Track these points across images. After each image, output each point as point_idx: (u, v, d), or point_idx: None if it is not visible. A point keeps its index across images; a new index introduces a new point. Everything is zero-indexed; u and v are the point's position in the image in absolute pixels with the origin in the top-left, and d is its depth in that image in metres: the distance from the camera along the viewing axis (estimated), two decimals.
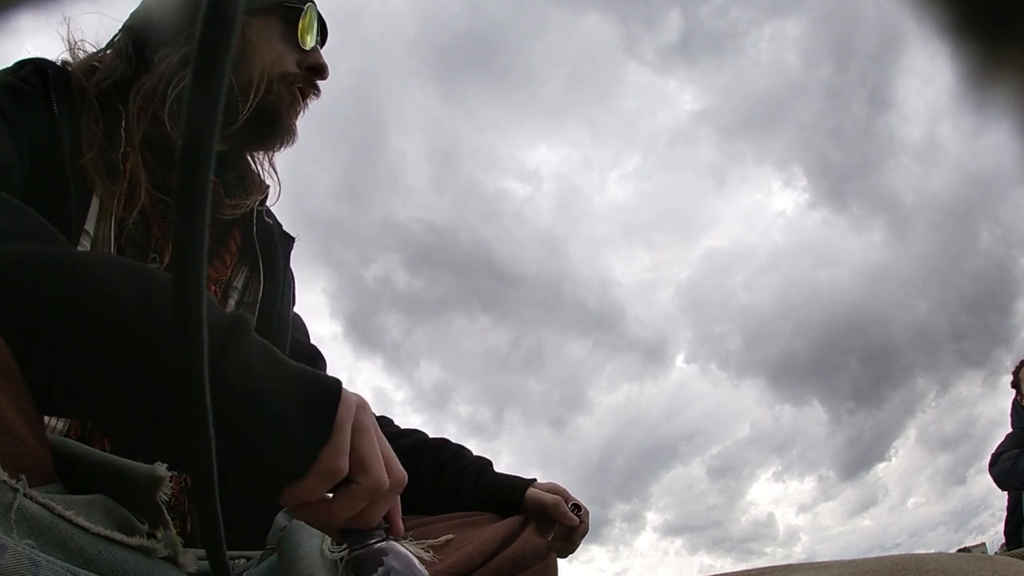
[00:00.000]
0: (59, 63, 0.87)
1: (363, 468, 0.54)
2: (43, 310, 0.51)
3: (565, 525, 1.08)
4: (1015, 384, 3.70)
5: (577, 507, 1.10)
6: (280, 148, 0.99)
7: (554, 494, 1.09)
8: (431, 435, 1.18)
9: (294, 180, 1.04)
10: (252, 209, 0.98)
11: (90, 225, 0.79)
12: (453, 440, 1.18)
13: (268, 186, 1.01)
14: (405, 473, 0.59)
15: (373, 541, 0.56)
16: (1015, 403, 3.72)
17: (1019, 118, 0.28)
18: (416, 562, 0.57)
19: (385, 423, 1.17)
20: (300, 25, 0.95)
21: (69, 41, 0.89)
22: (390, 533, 0.58)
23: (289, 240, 1.07)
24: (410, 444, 1.14)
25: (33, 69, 0.83)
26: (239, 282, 0.98)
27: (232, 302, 0.97)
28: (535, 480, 1.11)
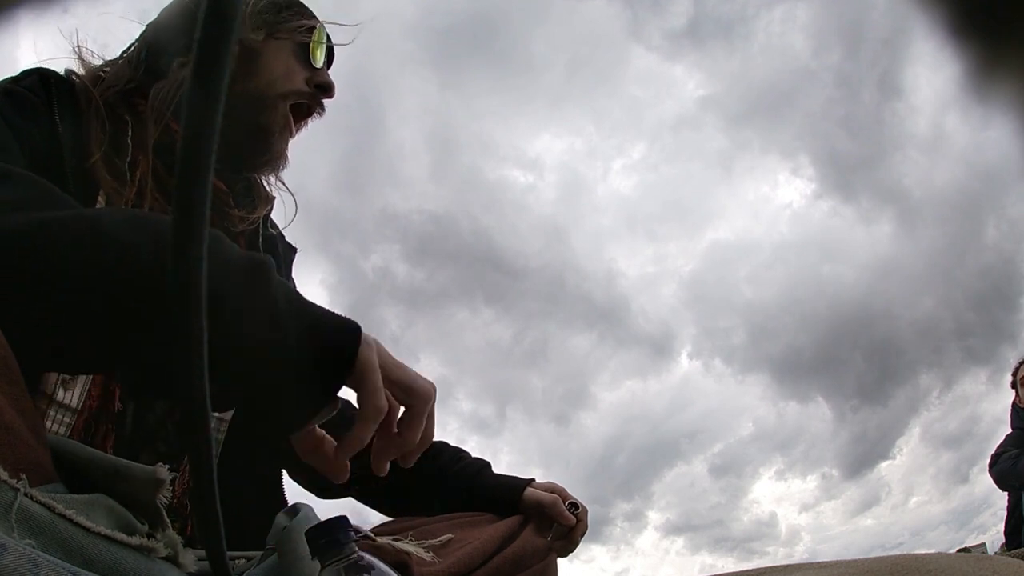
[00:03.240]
0: (63, 73, 0.87)
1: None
2: (58, 269, 0.53)
3: (563, 524, 1.09)
4: (1014, 385, 3.70)
5: (575, 506, 1.10)
6: (269, 172, 0.99)
7: (552, 493, 1.09)
8: None
9: (292, 172, 1.05)
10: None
11: None
12: (454, 438, 1.18)
13: (274, 197, 1.02)
14: (429, 383, 0.65)
15: (346, 554, 0.55)
16: (1014, 404, 3.72)
17: (1021, 118, 0.28)
18: (393, 573, 0.57)
19: None
20: (312, 42, 0.96)
21: (75, 49, 0.89)
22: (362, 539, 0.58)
23: (292, 251, 1.08)
24: None
25: (37, 78, 0.83)
26: None
27: None
28: (533, 480, 1.12)
